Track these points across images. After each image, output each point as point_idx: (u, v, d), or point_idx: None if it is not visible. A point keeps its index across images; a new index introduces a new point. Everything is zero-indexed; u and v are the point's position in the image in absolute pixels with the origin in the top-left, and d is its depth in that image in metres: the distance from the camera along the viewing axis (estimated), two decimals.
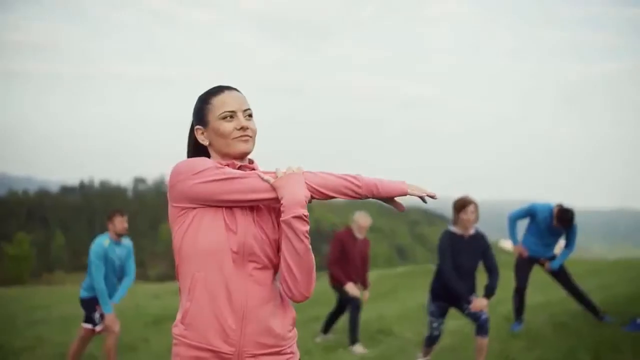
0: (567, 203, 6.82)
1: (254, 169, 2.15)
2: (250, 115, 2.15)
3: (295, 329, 2.19)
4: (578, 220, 6.78)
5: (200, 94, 2.20)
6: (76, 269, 54.53)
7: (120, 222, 6.17)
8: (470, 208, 5.25)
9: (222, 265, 2.02)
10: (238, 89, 2.19)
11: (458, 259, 5.28)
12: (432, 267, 19.01)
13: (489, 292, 5.29)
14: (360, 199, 2.12)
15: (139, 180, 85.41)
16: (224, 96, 2.13)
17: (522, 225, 7.08)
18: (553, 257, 6.97)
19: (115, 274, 6.24)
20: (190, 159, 2.11)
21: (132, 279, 6.42)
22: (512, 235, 7.06)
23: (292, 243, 2.01)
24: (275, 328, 2.08)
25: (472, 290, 5.35)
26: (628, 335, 6.10)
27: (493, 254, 5.41)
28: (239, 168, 2.13)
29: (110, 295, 6.19)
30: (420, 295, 12.29)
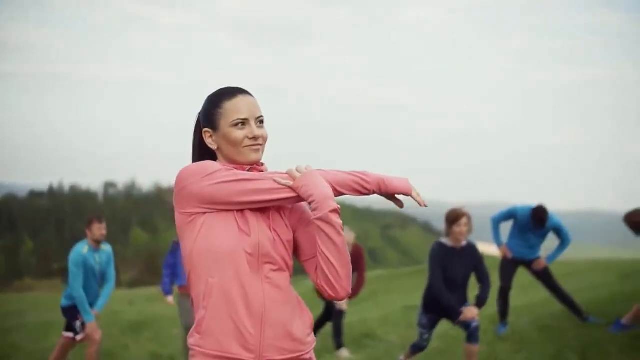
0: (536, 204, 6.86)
1: (261, 172, 2.09)
2: (261, 122, 2.08)
3: (313, 333, 2.12)
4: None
5: (210, 94, 2.13)
6: (45, 276, 53.63)
7: (98, 229, 6.03)
8: (463, 220, 5.16)
9: (237, 268, 1.95)
10: (250, 92, 2.12)
11: (450, 271, 5.20)
12: (406, 271, 19.20)
13: (480, 302, 5.23)
14: (368, 194, 2.10)
15: (109, 185, 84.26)
16: (237, 101, 2.06)
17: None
18: (537, 259, 6.97)
19: (96, 281, 6.11)
20: (197, 162, 2.04)
21: (113, 286, 6.31)
22: (496, 237, 7.07)
23: (332, 238, 1.95)
24: (295, 332, 2.01)
25: (463, 302, 5.28)
26: (614, 335, 6.13)
27: (485, 265, 5.36)
28: (248, 171, 2.06)
29: (93, 303, 6.07)
30: (400, 298, 12.32)
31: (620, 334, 6.16)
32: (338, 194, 2.04)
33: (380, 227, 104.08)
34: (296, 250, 2.10)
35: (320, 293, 2.20)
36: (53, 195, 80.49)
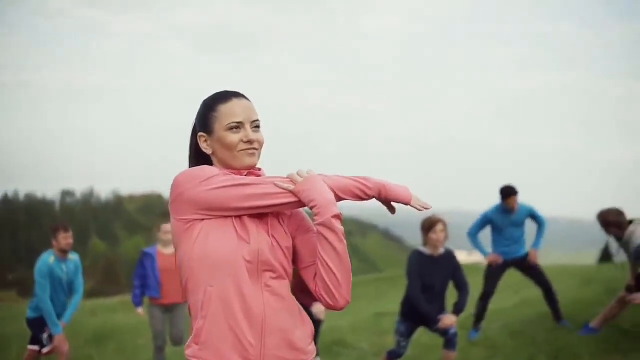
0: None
1: (259, 176, 2.04)
2: (258, 127, 2.03)
3: (314, 343, 2.07)
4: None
5: (205, 98, 2.08)
6: (0, 287, 52.26)
7: (64, 238, 5.87)
8: (439, 227, 5.16)
9: (236, 277, 1.89)
10: (246, 95, 2.07)
11: (429, 279, 5.18)
12: (370, 278, 19.23)
13: (459, 310, 5.22)
14: (367, 200, 2.06)
15: (66, 193, 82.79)
16: (232, 105, 2.01)
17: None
18: (526, 256, 6.99)
19: (64, 292, 5.94)
20: (193, 168, 1.98)
21: (81, 296, 6.15)
22: (479, 248, 7.11)
23: (333, 245, 1.90)
24: (296, 341, 1.96)
25: (442, 310, 5.27)
26: (583, 339, 6.21)
27: (463, 271, 5.36)
28: (246, 175, 2.01)
29: (60, 315, 5.90)
30: (367, 306, 12.32)
31: (589, 337, 6.25)
32: (339, 199, 2.00)
33: None
34: (294, 258, 2.05)
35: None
36: (8, 204, 78.59)
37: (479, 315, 7.04)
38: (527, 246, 7.08)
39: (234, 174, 1.99)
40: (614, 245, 5.95)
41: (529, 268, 7.03)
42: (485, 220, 7.00)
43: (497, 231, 6.99)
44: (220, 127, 1.99)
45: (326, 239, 1.90)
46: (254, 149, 2.00)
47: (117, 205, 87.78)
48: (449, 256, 5.32)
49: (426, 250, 5.25)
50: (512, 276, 8.47)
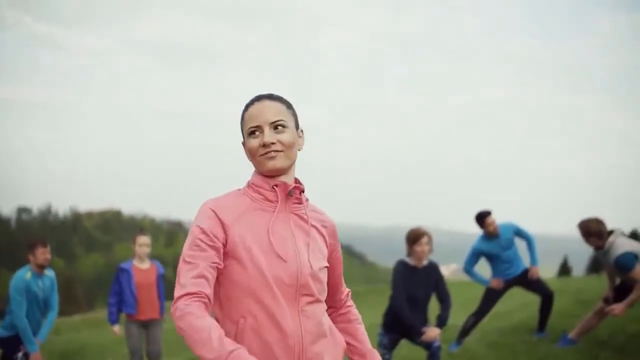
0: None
1: (299, 201, 1.96)
2: (281, 126, 1.90)
3: None
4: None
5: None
6: None
7: (42, 253, 5.71)
8: (424, 239, 5.18)
9: (271, 301, 1.81)
10: (277, 95, 1.98)
11: (412, 290, 5.20)
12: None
13: (442, 322, 5.23)
14: None
15: (22, 210, 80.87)
16: (252, 109, 1.93)
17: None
18: (526, 271, 6.99)
19: (39, 309, 5.79)
20: (204, 204, 1.91)
21: (56, 313, 6.00)
22: (479, 279, 7.14)
23: None
24: None
25: (425, 321, 5.28)
26: (562, 350, 6.28)
27: (445, 283, 5.39)
28: (279, 189, 1.92)
29: (35, 332, 5.74)
30: None
31: (567, 348, 6.33)
32: None
33: None
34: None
35: None
36: None
37: (467, 331, 7.07)
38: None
39: (264, 182, 1.92)
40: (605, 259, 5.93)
41: (530, 283, 7.03)
42: (477, 253, 7.01)
43: (491, 259, 7.02)
44: (245, 133, 1.94)
45: None
46: (274, 151, 1.88)
47: (75, 222, 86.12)
48: (433, 268, 5.34)
49: (411, 261, 5.27)
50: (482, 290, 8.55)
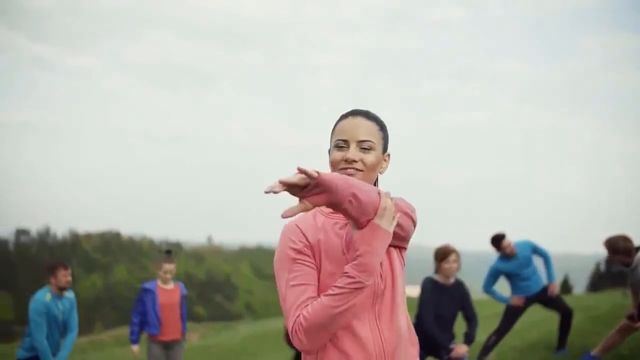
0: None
1: None
2: (367, 148, 1.90)
3: None
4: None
5: None
6: None
7: (64, 276, 5.74)
8: (452, 257, 5.23)
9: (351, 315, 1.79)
10: (373, 115, 1.98)
11: (440, 308, 5.22)
12: None
13: (469, 339, 5.26)
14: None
15: (21, 232, 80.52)
16: (344, 122, 1.94)
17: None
18: (545, 288, 7.01)
19: (59, 331, 5.78)
20: (287, 226, 1.90)
21: (76, 335, 5.97)
22: (501, 298, 7.15)
23: None
24: None
25: (451, 339, 5.29)
26: None
27: (472, 301, 5.40)
28: None
29: (54, 354, 5.71)
30: None
31: None
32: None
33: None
34: None
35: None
36: None
37: (489, 349, 7.06)
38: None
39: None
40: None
41: (550, 300, 7.05)
42: (496, 274, 7.04)
43: (510, 277, 7.04)
44: (332, 143, 1.95)
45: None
46: (355, 169, 1.87)
47: (74, 244, 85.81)
48: (460, 286, 5.36)
49: (439, 279, 5.28)
50: (497, 307, 8.50)
